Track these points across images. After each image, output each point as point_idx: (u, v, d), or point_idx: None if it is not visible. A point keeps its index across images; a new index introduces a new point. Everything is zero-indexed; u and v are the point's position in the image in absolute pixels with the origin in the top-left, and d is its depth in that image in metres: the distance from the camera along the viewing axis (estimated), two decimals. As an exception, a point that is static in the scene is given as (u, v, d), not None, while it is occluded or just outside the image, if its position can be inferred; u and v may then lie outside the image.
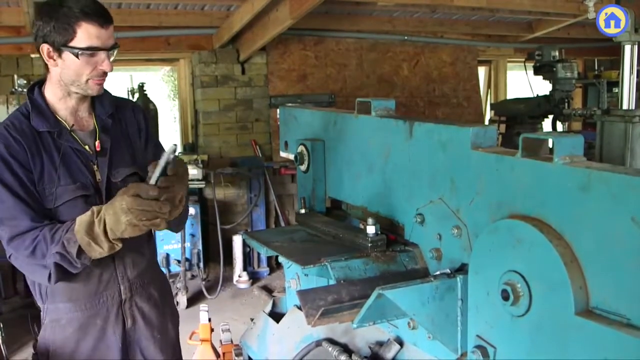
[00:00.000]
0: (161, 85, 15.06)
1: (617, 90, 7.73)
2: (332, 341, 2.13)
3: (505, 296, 1.34)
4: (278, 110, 2.86)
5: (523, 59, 7.13)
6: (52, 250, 1.91)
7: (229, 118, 7.39)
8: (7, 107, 6.43)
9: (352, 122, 2.13)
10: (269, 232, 2.59)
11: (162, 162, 1.83)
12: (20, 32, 6.41)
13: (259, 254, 6.98)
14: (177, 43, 7.06)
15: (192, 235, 6.49)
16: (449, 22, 8.29)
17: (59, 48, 1.98)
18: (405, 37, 8.12)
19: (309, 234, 2.19)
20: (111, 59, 2.06)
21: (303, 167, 2.37)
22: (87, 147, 2.14)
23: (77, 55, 1.98)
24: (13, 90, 6.24)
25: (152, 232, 2.35)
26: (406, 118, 1.86)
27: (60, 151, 2.07)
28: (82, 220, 1.89)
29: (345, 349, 2.07)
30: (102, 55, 2.01)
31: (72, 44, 1.97)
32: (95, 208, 1.91)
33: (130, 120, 2.31)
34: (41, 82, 2.16)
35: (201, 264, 6.51)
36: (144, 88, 7.08)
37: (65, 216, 2.02)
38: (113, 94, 2.30)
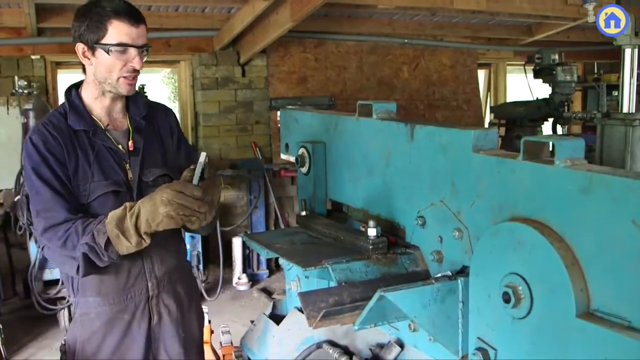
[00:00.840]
0: (161, 87, 15.09)
1: (616, 94, 7.75)
2: (332, 343, 2.14)
3: (506, 298, 1.35)
4: (279, 112, 2.87)
5: (523, 62, 7.15)
6: (82, 240, 1.96)
7: (229, 120, 7.40)
8: (8, 109, 6.44)
9: (353, 125, 2.14)
10: (270, 234, 2.60)
11: (199, 167, 1.95)
12: (21, 33, 6.43)
13: (258, 256, 6.98)
14: (177, 45, 7.08)
15: (192, 237, 6.48)
16: (448, 25, 8.31)
17: (92, 46, 2.09)
18: (405, 40, 8.14)
19: (309, 236, 2.20)
20: (143, 59, 2.13)
21: (304, 169, 2.37)
22: (120, 146, 2.21)
23: (108, 52, 2.07)
24: (14, 91, 6.25)
25: (182, 233, 2.43)
26: (407, 121, 1.86)
27: (94, 149, 2.15)
28: (114, 213, 1.97)
29: (346, 351, 2.07)
30: (132, 52, 2.09)
31: (103, 40, 2.06)
32: (128, 204, 1.98)
33: (162, 122, 2.38)
34: (78, 84, 2.26)
35: (201, 266, 6.50)
36: (145, 90, 7.08)
37: (98, 211, 2.10)
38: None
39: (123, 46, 2.06)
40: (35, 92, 6.25)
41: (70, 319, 5.44)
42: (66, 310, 5.44)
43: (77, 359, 2.23)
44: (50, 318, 5.49)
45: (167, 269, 2.31)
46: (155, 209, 1.91)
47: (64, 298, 5.44)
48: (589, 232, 1.21)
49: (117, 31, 2.05)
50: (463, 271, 1.61)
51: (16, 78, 6.28)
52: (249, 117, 7.50)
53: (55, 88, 6.89)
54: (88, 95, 2.21)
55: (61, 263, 2.09)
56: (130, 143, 2.22)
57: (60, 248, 2.01)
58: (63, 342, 2.30)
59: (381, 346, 1.96)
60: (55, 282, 5.51)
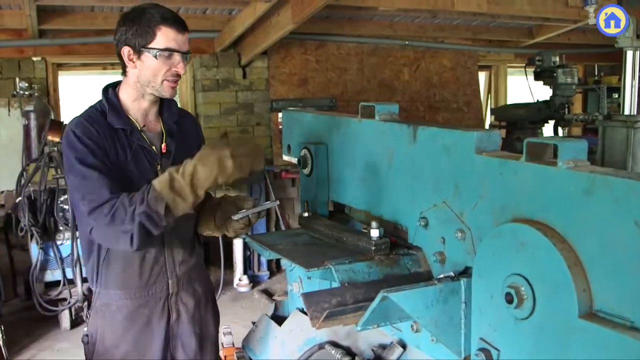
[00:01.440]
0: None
1: (617, 96, 7.76)
2: (334, 344, 2.14)
3: (509, 299, 1.35)
4: (281, 114, 2.87)
5: (523, 64, 7.15)
6: (138, 210, 1.99)
7: (230, 122, 7.40)
8: (9, 110, 6.44)
9: (356, 126, 2.14)
10: (272, 235, 2.61)
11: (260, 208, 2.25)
12: (22, 35, 6.44)
13: (259, 258, 6.98)
14: (178, 47, 7.07)
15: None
16: (449, 27, 8.32)
17: (139, 50, 2.18)
18: (406, 42, 8.15)
19: (312, 237, 2.20)
20: (186, 65, 2.25)
21: (306, 171, 2.38)
22: (153, 147, 2.30)
23: (155, 56, 2.16)
24: (15, 93, 6.25)
25: (199, 236, 2.52)
26: (410, 122, 1.87)
27: (132, 147, 2.24)
28: (159, 180, 2.03)
29: (348, 352, 2.08)
30: (177, 57, 2.19)
31: (151, 45, 2.16)
32: (170, 169, 2.05)
33: (190, 130, 2.50)
34: (115, 84, 2.33)
35: (202, 268, 6.49)
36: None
37: None
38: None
39: (170, 51, 2.16)
40: (36, 94, 6.25)
41: (71, 320, 5.46)
42: (67, 311, 5.44)
43: (97, 349, 2.31)
44: (52, 319, 5.49)
45: (187, 268, 2.39)
46: (222, 165, 1.99)
47: (65, 299, 5.44)
48: (592, 233, 1.22)
49: (165, 37, 2.16)
50: (466, 272, 1.62)
51: (17, 80, 6.28)
52: (250, 119, 7.50)
53: (56, 90, 6.90)
54: (127, 96, 2.29)
55: (114, 239, 2.10)
56: (163, 145, 2.32)
57: (109, 225, 2.03)
58: (85, 334, 2.37)
59: (383, 347, 1.97)
60: (56, 284, 5.52)
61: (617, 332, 1.14)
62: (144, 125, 2.31)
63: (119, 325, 2.29)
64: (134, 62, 2.21)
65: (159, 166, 2.28)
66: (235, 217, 2.26)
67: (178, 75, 2.23)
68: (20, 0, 5.62)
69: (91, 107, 2.29)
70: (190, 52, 2.26)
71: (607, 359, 1.16)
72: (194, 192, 2.02)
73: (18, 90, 6.20)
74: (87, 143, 2.13)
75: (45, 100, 6.46)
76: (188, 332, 2.40)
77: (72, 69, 7.31)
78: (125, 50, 2.20)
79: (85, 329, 2.40)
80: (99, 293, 2.33)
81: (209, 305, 2.52)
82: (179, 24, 2.19)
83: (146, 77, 2.21)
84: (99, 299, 2.33)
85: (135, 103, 2.29)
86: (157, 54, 2.16)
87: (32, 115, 5.91)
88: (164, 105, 2.39)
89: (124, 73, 2.28)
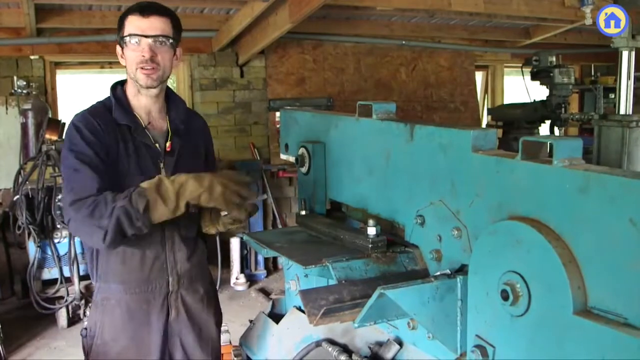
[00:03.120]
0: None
1: (613, 96, 7.77)
2: (331, 341, 2.15)
3: (504, 296, 1.37)
4: (278, 113, 2.88)
5: (520, 64, 7.18)
6: (118, 204, 2.01)
7: (228, 121, 7.40)
8: (6, 109, 6.44)
9: (353, 125, 2.15)
10: (270, 234, 2.61)
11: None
12: (20, 33, 6.42)
13: (256, 257, 6.99)
14: (176, 46, 7.07)
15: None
16: (446, 27, 8.33)
17: (120, 44, 2.25)
18: (403, 42, 8.15)
19: (309, 235, 2.22)
20: (164, 51, 2.21)
21: (304, 169, 2.39)
22: (157, 145, 2.30)
23: (125, 45, 2.20)
24: (12, 91, 6.25)
25: (203, 235, 2.50)
26: (407, 121, 1.88)
27: (134, 144, 2.25)
28: (148, 182, 2.06)
29: (345, 349, 2.09)
30: (143, 42, 2.18)
31: (122, 35, 2.21)
32: (161, 175, 2.11)
33: (199, 133, 2.50)
34: (124, 82, 2.35)
35: (199, 266, 6.50)
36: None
37: None
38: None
39: (132, 36, 2.17)
40: (34, 92, 6.24)
41: (68, 318, 5.46)
42: (64, 309, 5.44)
43: (96, 342, 2.31)
44: (49, 317, 5.49)
45: (189, 266, 2.37)
46: (212, 188, 2.05)
47: (62, 297, 5.44)
48: (587, 231, 1.23)
49: (130, 24, 2.19)
50: (462, 269, 1.63)
51: (15, 78, 6.27)
52: (247, 118, 7.51)
53: (54, 88, 6.89)
54: (129, 92, 2.31)
55: (88, 233, 2.11)
56: (168, 144, 2.32)
57: (88, 217, 2.04)
58: (84, 327, 2.38)
59: (380, 344, 1.98)
60: (53, 282, 5.52)
61: (612, 328, 1.16)
62: (149, 123, 2.31)
63: (118, 320, 2.29)
64: (123, 58, 2.26)
65: (162, 164, 2.28)
66: (223, 212, 2.26)
67: (149, 62, 2.18)
68: (18, -2, 5.62)
69: (98, 102, 2.31)
70: (166, 35, 2.21)
71: (601, 355, 1.17)
72: (176, 200, 2.05)
73: (16, 88, 6.19)
74: (87, 136, 2.14)
75: (43, 98, 6.45)
76: (187, 330, 2.38)
77: (69, 68, 7.30)
78: (117, 49, 2.28)
79: (86, 322, 2.40)
80: (99, 287, 2.33)
81: (210, 305, 2.49)
82: (143, 10, 2.19)
83: (128, 69, 2.24)
84: (100, 293, 2.33)
85: (136, 99, 2.30)
86: (125, 41, 2.19)
87: (30, 114, 5.92)
88: (171, 104, 2.39)
89: None
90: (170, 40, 2.23)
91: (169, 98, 2.40)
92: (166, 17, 2.23)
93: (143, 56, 2.17)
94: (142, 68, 2.19)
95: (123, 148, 2.22)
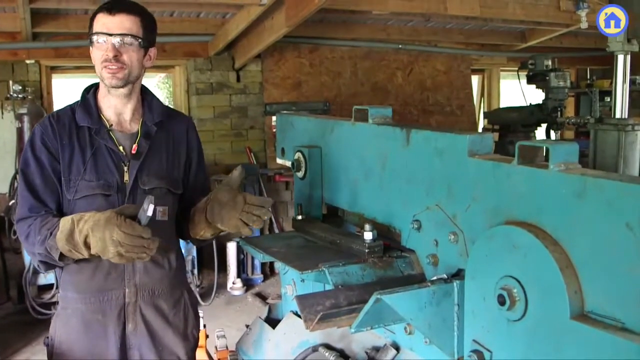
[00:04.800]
0: (156, 92, 15.08)
1: (609, 100, 7.79)
2: (328, 346, 2.15)
3: (501, 301, 1.36)
4: (274, 117, 2.88)
5: (516, 68, 7.17)
6: (37, 250, 2.02)
7: (224, 125, 7.40)
8: (2, 113, 6.43)
9: (350, 129, 2.15)
10: (266, 238, 2.61)
11: (146, 211, 1.87)
12: (15, 37, 6.42)
13: (253, 261, 6.98)
14: (172, 50, 7.07)
15: (187, 242, 6.46)
16: (442, 31, 8.34)
17: (90, 43, 2.14)
18: (400, 46, 8.16)
19: (306, 240, 2.21)
20: (131, 51, 2.11)
21: (300, 174, 2.38)
22: (121, 148, 2.19)
23: (92, 44, 2.12)
24: (8, 95, 6.24)
25: (179, 247, 2.40)
26: (403, 125, 1.88)
27: (95, 147, 2.16)
28: (64, 226, 1.96)
29: (342, 354, 2.09)
30: (109, 40, 2.09)
31: (90, 33, 2.12)
32: (75, 217, 1.97)
33: (180, 135, 2.36)
34: (98, 84, 2.27)
35: (195, 271, 6.49)
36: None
37: (82, 210, 2.08)
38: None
39: (99, 35, 2.08)
40: (29, 97, 6.24)
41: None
42: (60, 315, 5.42)
43: (55, 351, 2.24)
44: (45, 323, 5.46)
45: (150, 279, 2.24)
46: (105, 246, 1.88)
47: (58, 303, 5.41)
48: (583, 235, 1.23)
49: (97, 23, 2.11)
50: (458, 274, 1.63)
51: (11, 82, 6.26)
52: (244, 122, 7.50)
53: (49, 93, 6.87)
54: (100, 93, 2.23)
55: (31, 255, 2.12)
56: (134, 146, 2.21)
57: (25, 240, 2.08)
58: (47, 336, 2.31)
59: (377, 349, 1.97)
60: (49, 287, 5.50)
61: (609, 333, 1.16)
62: (112, 125, 2.20)
63: (74, 330, 2.20)
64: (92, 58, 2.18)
65: (126, 168, 2.17)
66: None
67: (116, 62, 2.09)
68: (14, 3, 5.60)
69: (70, 104, 2.25)
70: (130, 34, 2.09)
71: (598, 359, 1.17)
72: (88, 249, 1.94)
73: (12, 93, 6.18)
74: (37, 149, 2.12)
75: (39, 103, 6.43)
76: (147, 346, 2.25)
77: (65, 72, 7.29)
78: (91, 48, 2.17)
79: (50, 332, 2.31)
80: (60, 296, 2.28)
81: (177, 324, 2.32)
82: (111, 8, 2.10)
83: (96, 68, 2.15)
84: (60, 302, 2.27)
85: (105, 100, 2.21)
86: (92, 40, 2.11)
87: (26, 118, 5.90)
88: (145, 106, 2.29)
89: None
90: (139, 40, 2.12)
91: (145, 98, 2.30)
92: (135, 15, 2.13)
93: (107, 55, 2.08)
94: (106, 67, 2.10)
95: (79, 152, 2.14)
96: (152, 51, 2.23)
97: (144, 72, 2.23)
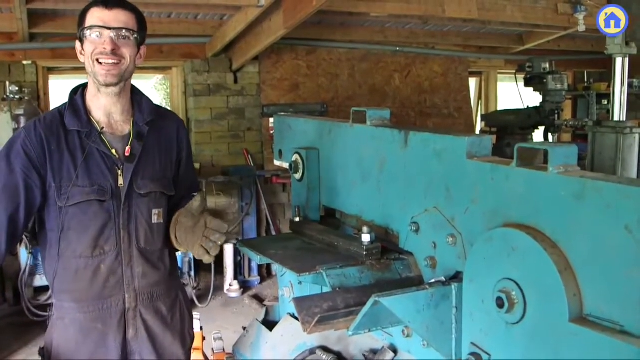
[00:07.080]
0: (153, 93, 15.07)
1: (606, 102, 7.80)
2: (326, 349, 2.14)
3: (500, 304, 1.36)
4: (272, 119, 2.87)
5: (514, 71, 7.19)
6: None
7: (221, 127, 7.39)
8: (-1, 114, 6.42)
9: (348, 131, 2.15)
10: (263, 240, 2.60)
11: None
12: (12, 38, 6.41)
13: (250, 263, 6.97)
14: (170, 51, 7.07)
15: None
16: (440, 33, 8.35)
17: (80, 39, 2.10)
18: (397, 48, 8.17)
19: (303, 242, 2.20)
20: (127, 45, 2.09)
21: (298, 176, 2.38)
22: (114, 151, 2.14)
23: (86, 38, 2.07)
24: (5, 96, 6.23)
25: (173, 248, 2.33)
26: (401, 127, 1.88)
27: (86, 152, 2.09)
28: None
29: (339, 357, 2.08)
30: (105, 34, 2.05)
31: (82, 28, 2.08)
32: None
33: (170, 134, 2.31)
34: (85, 85, 2.21)
35: (192, 273, 6.47)
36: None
37: (75, 217, 2.06)
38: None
39: (94, 28, 2.04)
40: (26, 98, 6.23)
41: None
42: (56, 316, 5.41)
43: None
44: (41, 324, 5.43)
45: (148, 283, 2.21)
46: None
47: (52, 311, 5.40)
48: (582, 238, 1.23)
49: (91, 16, 2.06)
50: (457, 277, 1.62)
51: (7, 83, 6.25)
52: (241, 124, 7.49)
53: (46, 94, 6.86)
54: (89, 94, 2.16)
55: None
56: (127, 148, 2.15)
57: None
58: (42, 346, 2.25)
59: (375, 352, 1.97)
60: (45, 289, 5.48)
61: (608, 336, 1.15)
62: (103, 127, 2.14)
63: (72, 340, 2.14)
64: (82, 54, 2.11)
65: (120, 171, 2.12)
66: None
67: (113, 56, 2.05)
68: (11, 3, 5.59)
69: (56, 107, 2.19)
70: (129, 29, 2.08)
71: (597, 363, 1.17)
72: None
73: (8, 94, 6.17)
74: (13, 153, 2.07)
75: (36, 104, 6.42)
76: (148, 351, 2.22)
77: (62, 73, 7.28)
78: (76, 45, 2.13)
79: (44, 341, 2.25)
80: (55, 305, 2.20)
81: (175, 325, 2.31)
82: (107, 2, 2.06)
83: (87, 65, 2.09)
84: (55, 312, 2.20)
85: (95, 99, 2.15)
86: (85, 35, 2.06)
87: (23, 119, 5.88)
88: (135, 105, 2.23)
89: None
90: (135, 35, 2.10)
91: (134, 98, 2.24)
92: (130, 11, 2.11)
93: (104, 48, 2.03)
94: (100, 62, 2.05)
95: (70, 157, 2.08)
96: (143, 49, 2.19)
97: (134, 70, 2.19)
